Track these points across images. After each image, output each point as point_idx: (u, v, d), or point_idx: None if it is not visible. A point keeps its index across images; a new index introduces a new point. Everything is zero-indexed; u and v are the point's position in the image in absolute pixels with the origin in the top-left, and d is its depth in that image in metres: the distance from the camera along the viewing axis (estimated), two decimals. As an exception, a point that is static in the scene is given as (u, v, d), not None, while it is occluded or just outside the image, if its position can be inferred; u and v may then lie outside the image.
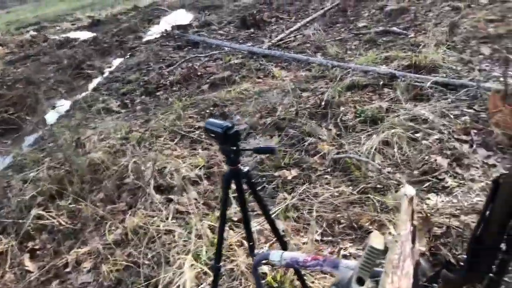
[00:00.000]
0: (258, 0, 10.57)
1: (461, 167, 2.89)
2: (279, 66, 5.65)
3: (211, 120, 1.56)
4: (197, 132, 4.12)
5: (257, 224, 2.62)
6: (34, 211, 3.17)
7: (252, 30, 7.96)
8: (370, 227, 2.50)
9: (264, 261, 1.32)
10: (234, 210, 2.78)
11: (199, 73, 5.85)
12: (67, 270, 2.70)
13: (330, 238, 2.51)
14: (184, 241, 2.62)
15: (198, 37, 7.96)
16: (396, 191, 2.70)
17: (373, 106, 3.90)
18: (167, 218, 2.89)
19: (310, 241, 2.40)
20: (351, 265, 1.10)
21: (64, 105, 6.15)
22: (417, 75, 4.29)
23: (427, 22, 6.01)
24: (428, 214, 2.43)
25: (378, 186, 2.84)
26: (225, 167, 1.59)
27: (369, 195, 2.73)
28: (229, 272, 2.35)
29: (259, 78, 5.37)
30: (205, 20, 9.43)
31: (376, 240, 0.92)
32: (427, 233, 2.31)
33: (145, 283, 2.43)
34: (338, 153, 3.30)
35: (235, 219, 2.74)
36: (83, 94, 6.43)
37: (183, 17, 10.70)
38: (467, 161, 2.93)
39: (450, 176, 2.81)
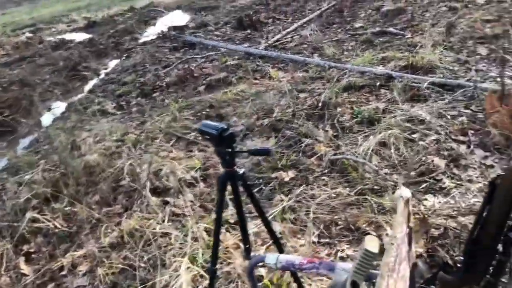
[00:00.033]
0: (254, 1, 10.57)
1: (458, 167, 2.89)
2: (276, 67, 5.64)
3: (206, 122, 1.55)
4: (193, 133, 4.10)
5: (254, 226, 2.60)
6: (29, 214, 3.14)
7: (248, 31, 7.94)
8: (368, 228, 2.49)
9: (260, 264, 1.31)
10: (230, 212, 2.76)
11: (195, 75, 5.83)
12: (63, 273, 2.68)
13: (327, 240, 2.49)
14: (180, 243, 2.60)
15: (195, 38, 7.95)
16: (393, 192, 2.69)
17: (370, 107, 3.90)
18: (163, 221, 2.87)
19: (307, 243, 2.39)
20: (347, 267, 1.09)
21: (59, 107, 6.11)
22: (414, 76, 4.29)
23: (424, 22, 6.01)
24: (426, 215, 2.42)
25: (375, 187, 2.83)
26: (221, 169, 1.58)
27: (366, 197, 2.72)
28: (226, 275, 2.33)
29: (255, 79, 5.35)
30: (201, 21, 9.41)
31: (370, 243, 0.90)
32: (424, 234, 2.30)
33: (141, 286, 2.40)
34: (335, 154, 3.29)
35: (232, 221, 2.72)
36: (79, 96, 6.39)
37: (179, 18, 10.68)
38: (464, 161, 2.92)
39: (448, 177, 2.81)
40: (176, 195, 3.13)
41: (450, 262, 2.07)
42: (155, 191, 3.22)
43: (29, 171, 3.83)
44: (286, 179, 3.14)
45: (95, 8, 14.88)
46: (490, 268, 1.21)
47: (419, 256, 2.16)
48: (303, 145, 3.52)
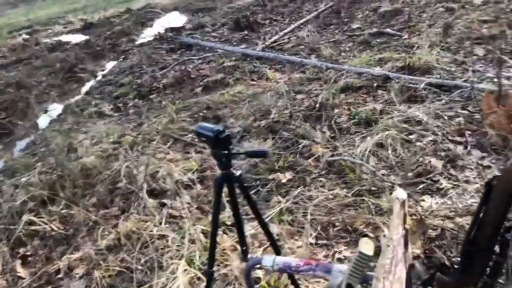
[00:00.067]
0: (252, 2, 10.57)
1: (455, 168, 2.89)
2: (273, 68, 5.63)
3: (202, 124, 1.54)
4: (190, 135, 4.09)
5: (251, 228, 2.59)
6: (25, 217, 3.13)
7: (246, 32, 7.94)
8: (365, 229, 2.49)
9: (257, 266, 1.31)
10: (227, 214, 2.75)
11: (192, 76, 5.81)
12: (59, 276, 2.67)
13: (324, 241, 2.49)
14: (177, 246, 2.60)
15: (192, 40, 7.94)
16: (391, 193, 2.69)
17: (367, 108, 3.90)
18: (160, 223, 2.86)
19: (305, 245, 2.38)
20: (344, 269, 1.09)
21: (56, 109, 6.09)
22: (411, 77, 4.29)
23: (421, 23, 6.03)
24: (423, 216, 2.42)
25: (373, 188, 2.83)
26: (218, 171, 1.58)
27: (363, 198, 2.72)
28: (223, 277, 2.32)
29: (253, 80, 5.35)
30: (198, 22, 9.41)
31: (365, 246, 0.90)
32: (421, 235, 2.30)
33: (138, 289, 2.40)
34: (332, 156, 3.29)
35: (229, 223, 2.71)
36: (76, 98, 6.37)
37: (176, 19, 10.67)
38: (461, 162, 2.93)
39: (445, 177, 2.81)
40: (173, 197, 3.12)
41: (447, 263, 2.07)
42: (152, 193, 3.21)
43: (26, 174, 3.82)
44: (283, 180, 3.14)
45: (91, 9, 14.85)
46: (487, 269, 1.21)
47: (416, 257, 2.16)
48: (300, 146, 3.51)
